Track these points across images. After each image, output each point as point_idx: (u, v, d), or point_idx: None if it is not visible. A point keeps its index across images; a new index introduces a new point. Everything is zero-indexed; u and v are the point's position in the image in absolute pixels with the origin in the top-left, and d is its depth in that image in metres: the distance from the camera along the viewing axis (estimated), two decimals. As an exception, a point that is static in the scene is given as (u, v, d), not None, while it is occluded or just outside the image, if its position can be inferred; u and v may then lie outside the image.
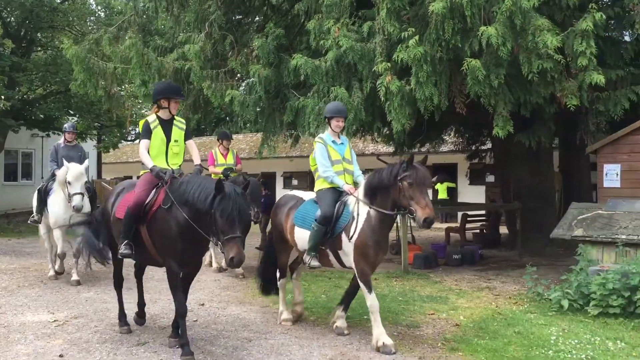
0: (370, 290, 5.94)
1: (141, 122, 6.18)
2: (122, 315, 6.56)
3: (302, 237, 6.36)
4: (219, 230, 4.95)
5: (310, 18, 10.11)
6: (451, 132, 17.96)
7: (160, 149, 6.07)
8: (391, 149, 17.30)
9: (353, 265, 6.04)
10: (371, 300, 5.92)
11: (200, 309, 7.60)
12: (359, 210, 6.03)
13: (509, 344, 6.01)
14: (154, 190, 5.80)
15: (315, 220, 6.13)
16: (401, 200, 5.72)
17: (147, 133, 6.03)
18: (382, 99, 8.95)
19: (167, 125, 6.12)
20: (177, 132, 6.20)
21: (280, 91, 11.01)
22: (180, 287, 5.57)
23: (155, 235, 5.60)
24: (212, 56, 11.78)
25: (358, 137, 16.26)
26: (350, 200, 6.19)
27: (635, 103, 9.87)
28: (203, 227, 5.19)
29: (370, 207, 5.96)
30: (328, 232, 6.14)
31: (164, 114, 6.12)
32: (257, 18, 13.50)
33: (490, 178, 21.46)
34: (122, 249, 5.76)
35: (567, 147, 14.53)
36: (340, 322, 6.46)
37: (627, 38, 10.98)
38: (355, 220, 6.00)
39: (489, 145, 16.75)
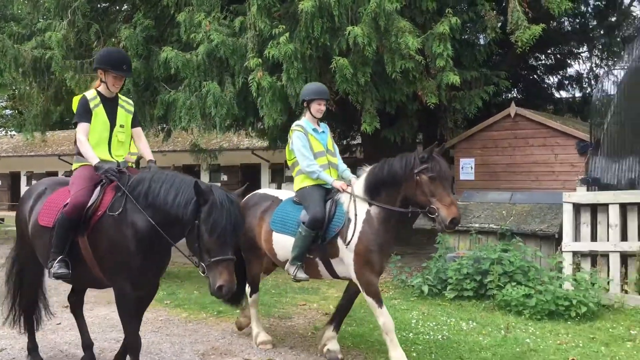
0: (380, 304, 5.02)
1: (76, 99, 4.82)
2: None
3: (283, 244, 5.36)
4: (204, 249, 3.89)
5: (181, 10, 9.95)
6: (324, 127, 18.41)
7: (101, 136, 4.71)
8: (266, 144, 17.46)
9: (354, 276, 5.08)
10: (384, 317, 5.00)
11: (64, 312, 7.24)
12: (357, 210, 5.10)
13: (374, 330, 6.34)
14: (98, 188, 4.52)
15: (304, 223, 5.13)
16: (418, 197, 4.83)
17: (85, 114, 4.63)
18: (255, 95, 9.03)
19: (110, 105, 4.76)
20: (124, 115, 4.85)
21: (150, 84, 10.74)
22: (134, 315, 4.46)
23: (102, 249, 4.32)
24: (76, 45, 11.21)
25: (232, 131, 16.24)
26: (343, 198, 5.25)
27: (488, 102, 10.76)
28: (172, 238, 4.18)
29: (372, 204, 5.04)
30: (319, 237, 5.17)
31: (105, 90, 4.77)
32: (124, 7, 13.02)
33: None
34: (56, 268, 4.37)
35: (429, 142, 15.40)
36: (332, 345, 5.34)
37: (480, 41, 11.91)
38: (353, 222, 5.05)
39: (359, 140, 17.39)
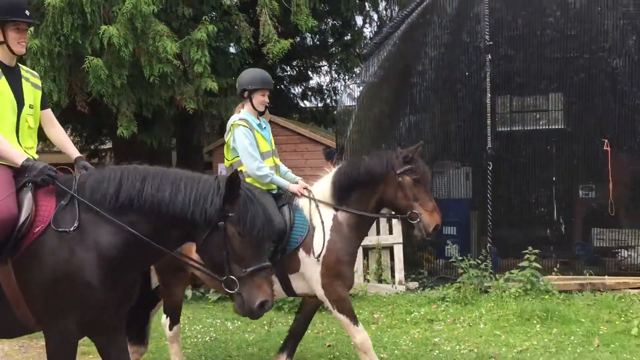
0: (356, 321, 4.48)
1: None
2: None
3: None
4: (235, 257, 2.96)
5: None
6: (68, 131, 17.17)
7: (8, 121, 3.33)
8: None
9: (320, 292, 4.44)
10: (361, 336, 4.46)
11: None
12: (322, 216, 4.49)
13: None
14: (29, 195, 3.14)
15: None
16: (399, 201, 4.40)
17: None
18: (-7, 93, 8.07)
19: (13, 78, 3.38)
20: (31, 92, 3.49)
21: None
22: None
23: (42, 280, 3.00)
24: None
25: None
26: (303, 203, 4.61)
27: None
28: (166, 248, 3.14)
29: (340, 210, 4.48)
30: (278, 251, 4.42)
31: (6, 55, 3.36)
32: None
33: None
34: None
35: (183, 147, 15.45)
36: None
37: (232, 50, 12.29)
38: (320, 230, 4.44)
39: (109, 144, 16.61)
